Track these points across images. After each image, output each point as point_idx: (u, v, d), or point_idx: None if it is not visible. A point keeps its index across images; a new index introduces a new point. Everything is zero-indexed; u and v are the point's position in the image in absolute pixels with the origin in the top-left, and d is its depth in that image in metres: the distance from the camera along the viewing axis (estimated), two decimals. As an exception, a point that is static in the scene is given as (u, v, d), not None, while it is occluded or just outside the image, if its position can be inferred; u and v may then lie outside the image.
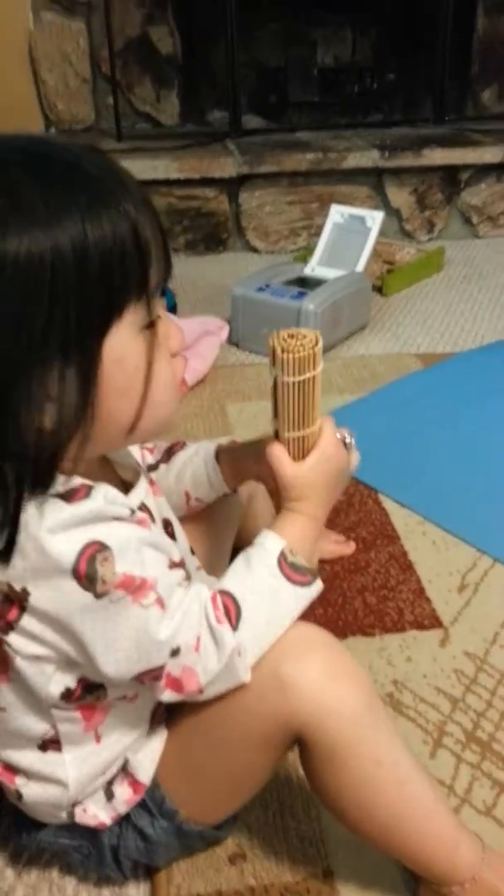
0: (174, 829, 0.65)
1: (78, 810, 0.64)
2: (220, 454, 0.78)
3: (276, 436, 0.67)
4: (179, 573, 0.58)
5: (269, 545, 0.62)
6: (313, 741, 0.58)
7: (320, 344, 0.63)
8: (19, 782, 0.63)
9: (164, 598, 0.55)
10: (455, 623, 0.95)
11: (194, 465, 0.79)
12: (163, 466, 0.80)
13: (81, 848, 0.67)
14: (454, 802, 0.75)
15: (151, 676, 0.57)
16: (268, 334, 0.63)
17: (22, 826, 0.69)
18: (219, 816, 0.67)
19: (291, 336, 0.63)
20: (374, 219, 1.71)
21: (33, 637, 0.53)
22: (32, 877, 0.71)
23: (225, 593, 0.59)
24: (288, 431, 0.65)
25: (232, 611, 0.58)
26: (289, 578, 0.61)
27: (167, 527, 0.69)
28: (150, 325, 0.53)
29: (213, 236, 2.21)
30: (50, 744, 0.60)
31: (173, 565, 0.58)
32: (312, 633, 0.62)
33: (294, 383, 0.62)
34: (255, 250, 2.23)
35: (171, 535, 0.69)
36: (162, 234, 0.53)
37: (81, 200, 0.48)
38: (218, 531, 0.84)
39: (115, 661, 0.54)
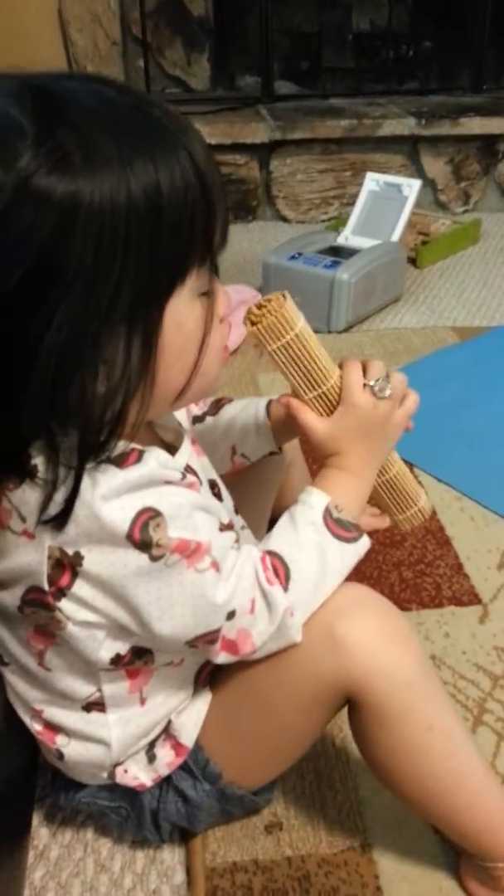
0: (216, 793, 0.65)
1: (119, 770, 0.63)
2: (271, 410, 0.76)
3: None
4: (230, 535, 0.57)
5: (313, 501, 0.61)
6: (364, 702, 0.58)
7: (288, 301, 0.61)
8: (60, 742, 0.62)
9: (219, 562, 0.54)
10: (495, 600, 0.93)
11: (243, 420, 0.76)
12: (210, 419, 0.78)
13: (120, 809, 0.67)
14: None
15: (207, 640, 0.56)
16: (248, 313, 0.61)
17: (60, 786, 0.68)
18: (262, 780, 0.66)
19: (259, 307, 0.62)
20: (412, 187, 1.66)
21: (84, 604, 0.52)
22: (67, 837, 0.71)
23: (273, 554, 0.58)
24: (305, 393, 0.64)
25: (281, 571, 0.57)
26: (335, 535, 0.60)
27: (213, 487, 0.68)
28: (207, 289, 0.52)
29: (242, 204, 2.17)
30: (94, 705, 0.60)
31: (223, 528, 0.57)
32: (366, 594, 0.61)
33: (279, 349, 0.61)
34: (284, 220, 2.19)
35: (218, 496, 0.68)
36: (224, 193, 0.51)
37: (154, 151, 0.46)
38: (259, 492, 0.82)
39: (170, 626, 0.53)
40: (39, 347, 0.45)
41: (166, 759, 0.63)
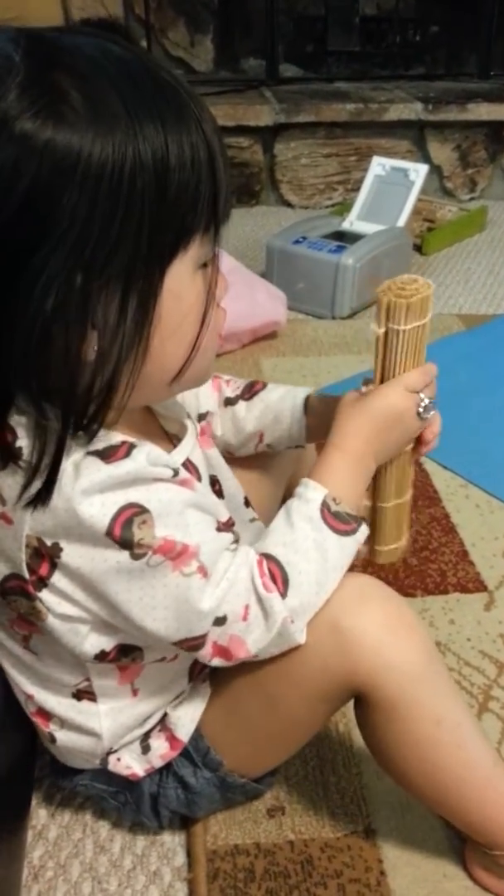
0: (217, 781, 0.64)
1: (112, 759, 0.62)
2: (309, 405, 0.73)
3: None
4: (227, 537, 0.55)
5: (310, 496, 0.58)
6: (372, 697, 0.56)
7: (432, 289, 0.60)
8: (52, 726, 0.61)
9: (208, 566, 0.52)
10: (500, 587, 0.92)
11: (278, 411, 0.73)
12: (242, 403, 0.75)
13: (118, 795, 0.66)
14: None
15: (191, 645, 0.54)
16: (379, 290, 0.60)
17: (58, 769, 0.67)
18: (263, 769, 0.66)
19: (401, 287, 0.59)
20: (418, 172, 1.65)
21: (65, 596, 0.51)
22: (66, 817, 0.71)
23: (269, 557, 0.55)
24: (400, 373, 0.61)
25: (278, 576, 0.55)
26: (334, 529, 0.57)
27: (214, 484, 0.66)
28: (206, 265, 0.50)
29: (245, 188, 2.15)
30: (84, 693, 0.59)
31: (221, 527, 0.55)
32: (371, 585, 0.59)
33: (411, 330, 0.59)
34: (288, 204, 2.17)
35: (219, 493, 0.66)
36: (228, 164, 0.50)
37: (165, 113, 0.45)
38: (273, 480, 0.80)
39: (154, 627, 0.52)
40: (28, 299, 0.43)
41: (160, 750, 0.62)
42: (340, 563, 0.57)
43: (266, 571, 0.54)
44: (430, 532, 1.00)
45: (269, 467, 0.80)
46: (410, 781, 0.60)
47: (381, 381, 0.62)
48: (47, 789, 0.72)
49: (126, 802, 0.66)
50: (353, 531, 0.58)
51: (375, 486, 0.67)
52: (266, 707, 0.60)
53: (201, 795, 0.64)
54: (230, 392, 0.76)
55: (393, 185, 1.67)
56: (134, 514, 0.48)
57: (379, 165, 1.69)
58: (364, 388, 0.63)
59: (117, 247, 0.44)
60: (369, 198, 1.68)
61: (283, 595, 0.54)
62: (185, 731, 0.62)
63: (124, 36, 0.48)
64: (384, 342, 0.60)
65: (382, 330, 0.60)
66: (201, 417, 0.73)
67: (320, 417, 0.71)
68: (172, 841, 0.69)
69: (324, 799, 0.71)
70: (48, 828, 0.70)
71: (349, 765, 0.73)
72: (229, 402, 0.75)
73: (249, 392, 0.76)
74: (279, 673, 0.58)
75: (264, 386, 0.76)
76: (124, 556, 0.48)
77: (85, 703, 0.59)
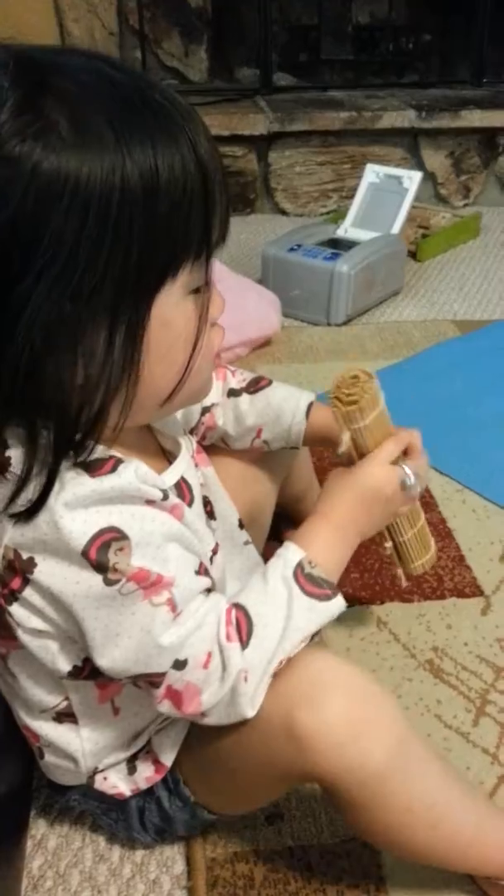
0: (188, 811, 0.63)
1: (98, 778, 0.62)
2: (312, 411, 0.73)
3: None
4: (204, 581, 0.54)
5: (288, 556, 0.57)
6: (334, 793, 0.55)
7: (375, 379, 0.63)
8: (40, 743, 0.61)
9: (178, 603, 0.50)
10: (497, 592, 0.93)
11: (280, 410, 0.74)
12: (246, 396, 0.75)
13: (110, 812, 0.66)
14: (498, 771, 0.73)
15: (148, 681, 0.52)
16: (331, 402, 0.63)
17: (52, 782, 0.67)
18: (232, 812, 0.65)
19: (347, 385, 0.63)
20: (412, 179, 1.65)
21: (35, 611, 0.50)
22: (65, 827, 0.71)
23: (239, 607, 0.54)
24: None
25: (244, 627, 0.53)
26: (304, 589, 0.55)
27: (206, 505, 0.65)
28: (198, 290, 0.49)
29: (240, 197, 2.16)
30: (65, 716, 0.58)
31: (200, 571, 0.54)
32: (331, 668, 0.55)
33: (365, 427, 0.63)
34: (283, 212, 2.18)
35: (210, 515, 0.66)
36: (226, 188, 0.48)
37: (156, 137, 0.44)
38: (267, 478, 0.81)
39: (111, 657, 0.50)
40: (13, 328, 0.43)
41: (146, 773, 0.62)
42: (303, 627, 0.55)
43: (233, 621, 0.53)
44: (427, 537, 1.01)
45: (264, 465, 0.80)
46: (392, 852, 0.60)
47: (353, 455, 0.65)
48: (46, 799, 0.72)
49: (117, 819, 0.66)
50: (327, 598, 0.56)
51: (389, 526, 0.70)
52: (227, 773, 0.59)
53: (176, 820, 0.64)
54: (235, 383, 0.76)
55: (387, 192, 1.68)
56: (112, 538, 0.47)
57: (373, 173, 1.70)
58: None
59: (105, 276, 0.43)
60: (363, 205, 1.69)
61: (244, 646, 0.52)
62: (167, 756, 0.61)
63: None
64: (353, 441, 0.63)
65: (348, 435, 0.63)
66: (205, 410, 0.74)
67: (321, 425, 0.72)
68: (171, 849, 0.69)
69: (322, 805, 0.71)
70: (47, 837, 0.70)
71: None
72: (233, 392, 0.75)
73: (255, 386, 0.76)
74: (240, 753, 0.56)
75: (270, 383, 0.76)
76: (97, 580, 0.47)
77: (65, 727, 0.58)
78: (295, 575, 0.55)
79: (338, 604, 0.57)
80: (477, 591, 0.93)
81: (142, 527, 0.48)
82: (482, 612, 0.90)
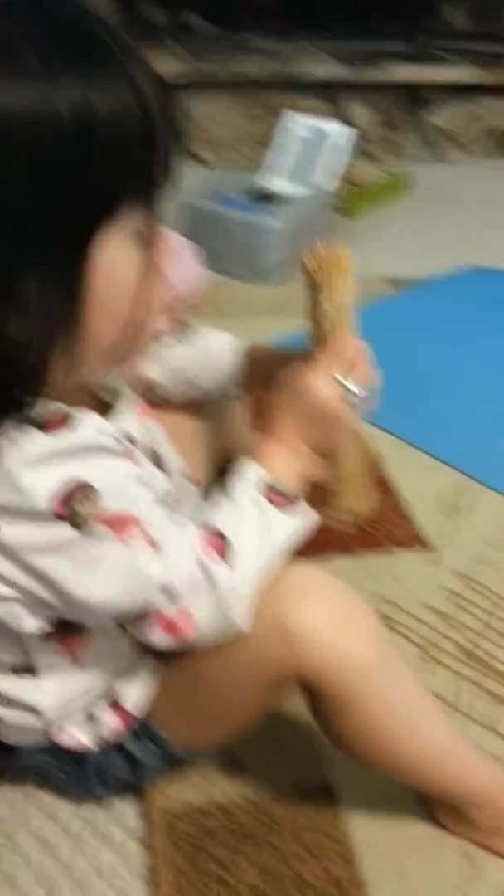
0: (164, 755, 0.63)
1: (58, 731, 0.61)
2: (249, 353, 0.71)
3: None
4: (167, 511, 0.53)
5: (249, 475, 0.57)
6: (321, 691, 0.56)
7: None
8: None
9: (154, 537, 0.50)
10: (440, 542, 0.95)
11: (218, 356, 0.72)
12: (179, 346, 0.73)
13: (64, 767, 0.64)
14: (457, 719, 0.75)
15: (141, 619, 0.52)
16: (304, 255, 0.61)
17: (3, 746, 0.64)
18: (211, 745, 0.65)
19: (320, 257, 0.61)
20: (339, 132, 1.63)
21: (4, 580, 0.49)
22: (6, 790, 0.68)
23: (211, 529, 0.54)
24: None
25: (222, 548, 0.53)
26: (275, 504, 0.56)
27: (154, 456, 0.63)
28: (145, 236, 0.46)
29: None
30: (23, 670, 0.57)
31: (160, 503, 0.53)
32: (317, 576, 0.57)
33: (336, 294, 0.61)
34: (203, 162, 2.12)
35: (159, 465, 0.64)
36: (173, 128, 0.45)
37: (88, 67, 0.41)
38: (208, 431, 0.78)
39: (99, 599, 0.50)
40: None
41: (111, 725, 0.61)
42: (282, 542, 0.56)
43: (209, 543, 0.53)
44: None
45: (205, 417, 0.78)
46: (370, 764, 0.61)
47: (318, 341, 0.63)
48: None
49: (72, 773, 0.64)
50: (294, 510, 0.57)
51: (336, 455, 0.67)
52: (212, 694, 0.59)
53: (147, 766, 0.63)
54: (166, 334, 0.73)
55: (313, 144, 1.65)
56: (78, 489, 0.46)
57: (297, 125, 1.67)
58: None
59: (33, 217, 0.40)
60: (290, 158, 1.66)
61: (226, 565, 0.53)
62: (134, 706, 0.60)
63: None
64: (315, 322, 0.61)
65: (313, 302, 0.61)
66: None
67: (259, 367, 0.70)
68: (122, 803, 0.67)
69: (278, 753, 0.71)
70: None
71: (304, 721, 0.74)
72: (165, 344, 0.73)
73: (183, 333, 0.74)
74: (225, 665, 0.56)
75: (200, 330, 0.74)
76: (66, 529, 0.46)
77: (26, 679, 0.57)
78: (261, 491, 0.56)
79: (308, 517, 0.58)
80: (421, 542, 0.95)
81: (105, 475, 0.47)
82: (428, 564, 0.92)
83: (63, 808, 0.67)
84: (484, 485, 1.05)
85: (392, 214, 1.88)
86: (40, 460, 0.45)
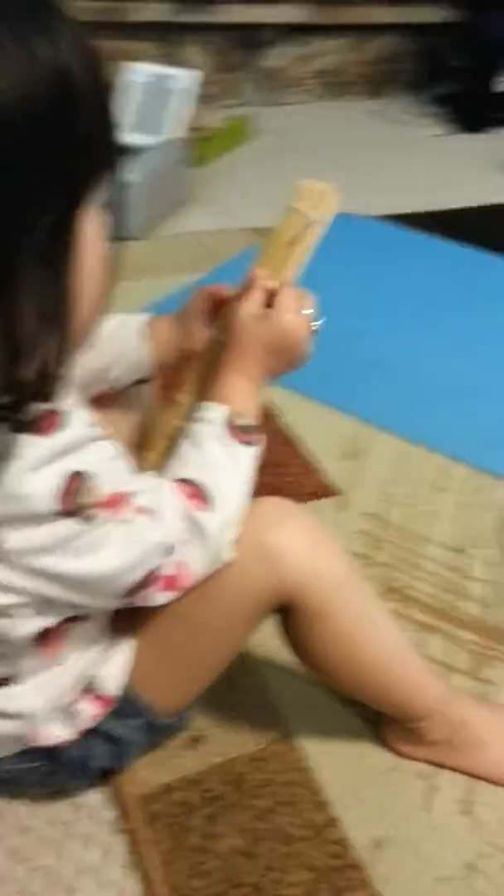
0: (145, 726, 0.63)
1: (40, 731, 0.60)
2: (151, 330, 0.69)
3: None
4: (146, 477, 0.55)
5: (212, 416, 0.59)
6: (301, 606, 0.59)
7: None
8: None
9: (146, 505, 0.52)
10: (347, 488, 0.99)
11: (120, 341, 0.69)
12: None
13: (40, 767, 0.63)
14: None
15: (145, 584, 0.53)
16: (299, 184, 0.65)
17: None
18: (190, 700, 0.66)
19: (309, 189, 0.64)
20: (185, 78, 1.59)
21: (6, 588, 0.49)
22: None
23: (185, 482, 0.56)
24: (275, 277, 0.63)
25: (200, 496, 0.55)
26: (241, 440, 0.59)
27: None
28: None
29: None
30: (4, 681, 0.57)
31: (135, 471, 0.54)
32: (286, 503, 0.61)
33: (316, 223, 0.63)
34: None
35: None
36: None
37: (46, 27, 0.39)
38: (129, 425, 0.77)
39: (106, 582, 0.51)
40: None
41: (90, 712, 0.61)
42: (250, 474, 0.59)
43: (188, 494, 0.55)
44: (274, 449, 1.03)
45: (120, 407, 0.76)
46: (338, 676, 0.65)
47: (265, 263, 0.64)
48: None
49: (51, 772, 0.63)
50: (257, 442, 0.60)
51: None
52: (193, 638, 0.61)
53: (129, 744, 0.64)
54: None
55: (158, 92, 1.60)
56: (76, 480, 0.46)
57: (138, 74, 1.61)
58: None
59: (35, 189, 0.39)
60: (133, 107, 1.60)
61: (210, 512, 0.55)
62: (114, 685, 0.61)
63: None
64: (288, 230, 0.63)
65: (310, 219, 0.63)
66: None
67: (165, 339, 0.69)
68: (96, 798, 0.67)
69: (239, 718, 0.73)
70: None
71: (255, 680, 0.76)
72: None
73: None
74: (207, 599, 0.58)
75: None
76: (70, 524, 0.47)
77: (12, 688, 0.57)
78: (230, 431, 0.58)
79: (263, 439, 0.60)
80: (330, 490, 0.98)
81: (95, 459, 0.48)
82: (339, 509, 0.96)
83: (36, 815, 0.66)
84: (377, 427, 1.10)
85: (240, 161, 1.87)
86: (41, 463, 0.45)
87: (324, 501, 0.97)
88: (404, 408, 1.14)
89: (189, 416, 0.64)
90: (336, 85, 2.21)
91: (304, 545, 0.59)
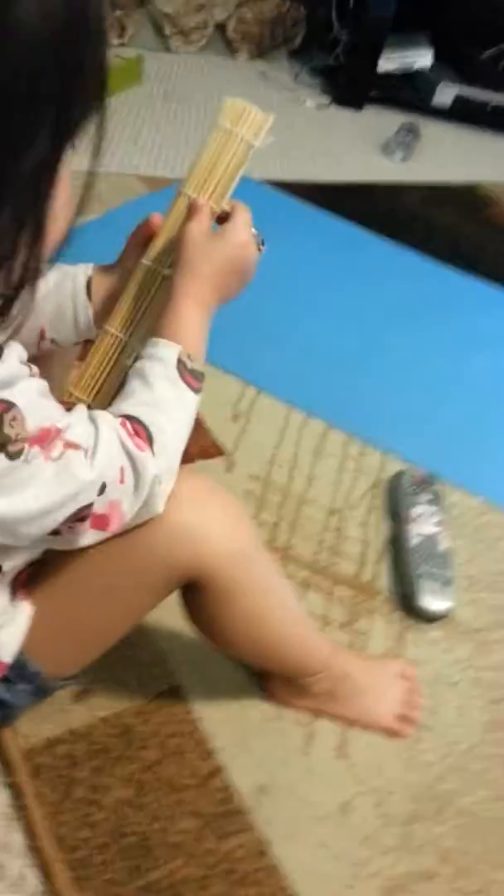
0: (33, 689, 0.62)
1: None
2: (93, 289, 0.64)
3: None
4: (77, 410, 0.53)
5: (164, 355, 0.56)
6: (212, 582, 0.60)
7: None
8: None
9: (76, 440, 0.50)
10: (235, 448, 1.00)
11: (58, 300, 0.64)
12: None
13: None
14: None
15: (75, 519, 0.51)
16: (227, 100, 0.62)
17: None
18: (85, 665, 0.65)
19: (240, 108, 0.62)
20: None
21: None
22: None
23: (131, 418, 0.53)
24: (216, 203, 0.61)
25: (143, 435, 0.53)
26: (190, 386, 0.57)
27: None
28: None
29: None
30: None
31: (67, 407, 0.52)
32: (206, 480, 0.61)
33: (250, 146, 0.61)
34: None
35: None
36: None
37: None
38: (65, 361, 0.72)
39: (38, 522, 0.49)
40: None
41: None
42: (192, 422, 0.58)
43: (132, 431, 0.53)
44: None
45: (55, 365, 0.70)
46: (241, 647, 0.66)
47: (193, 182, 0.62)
48: None
49: None
50: (200, 390, 0.59)
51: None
52: (95, 607, 0.60)
53: (15, 707, 0.63)
54: None
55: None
56: (3, 410, 0.45)
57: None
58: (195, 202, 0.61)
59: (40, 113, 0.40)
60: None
61: (150, 454, 0.53)
62: (8, 652, 0.59)
63: None
64: (218, 148, 0.62)
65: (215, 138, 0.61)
66: None
67: (107, 297, 0.65)
68: (-26, 754, 0.66)
69: (127, 671, 0.74)
70: None
71: (143, 634, 0.76)
72: None
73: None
74: (122, 564, 0.57)
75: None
76: (1, 458, 0.45)
77: None
78: (180, 373, 0.56)
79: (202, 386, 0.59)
80: (219, 450, 0.99)
81: (22, 395, 0.46)
82: (227, 469, 0.97)
83: None
84: (260, 391, 1.11)
85: (126, 106, 1.80)
86: None
87: (211, 462, 0.98)
88: (288, 374, 1.16)
89: (124, 349, 0.61)
90: (225, 41, 2.17)
91: (225, 527, 0.59)
